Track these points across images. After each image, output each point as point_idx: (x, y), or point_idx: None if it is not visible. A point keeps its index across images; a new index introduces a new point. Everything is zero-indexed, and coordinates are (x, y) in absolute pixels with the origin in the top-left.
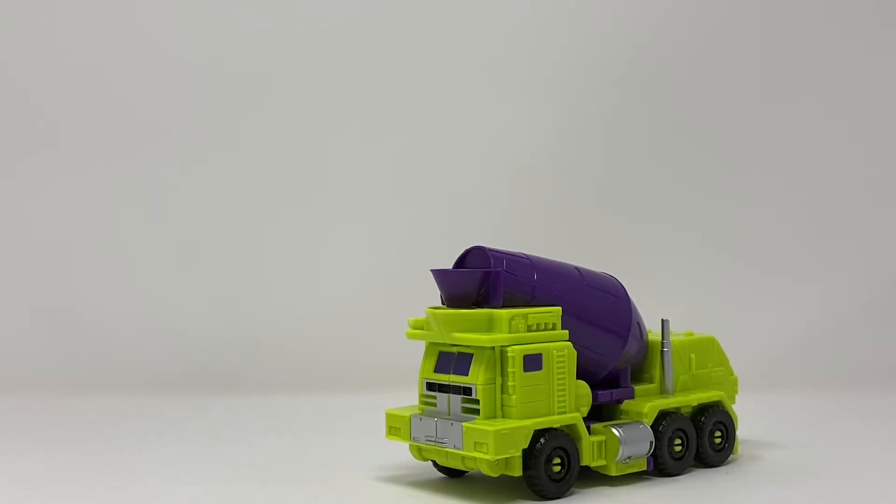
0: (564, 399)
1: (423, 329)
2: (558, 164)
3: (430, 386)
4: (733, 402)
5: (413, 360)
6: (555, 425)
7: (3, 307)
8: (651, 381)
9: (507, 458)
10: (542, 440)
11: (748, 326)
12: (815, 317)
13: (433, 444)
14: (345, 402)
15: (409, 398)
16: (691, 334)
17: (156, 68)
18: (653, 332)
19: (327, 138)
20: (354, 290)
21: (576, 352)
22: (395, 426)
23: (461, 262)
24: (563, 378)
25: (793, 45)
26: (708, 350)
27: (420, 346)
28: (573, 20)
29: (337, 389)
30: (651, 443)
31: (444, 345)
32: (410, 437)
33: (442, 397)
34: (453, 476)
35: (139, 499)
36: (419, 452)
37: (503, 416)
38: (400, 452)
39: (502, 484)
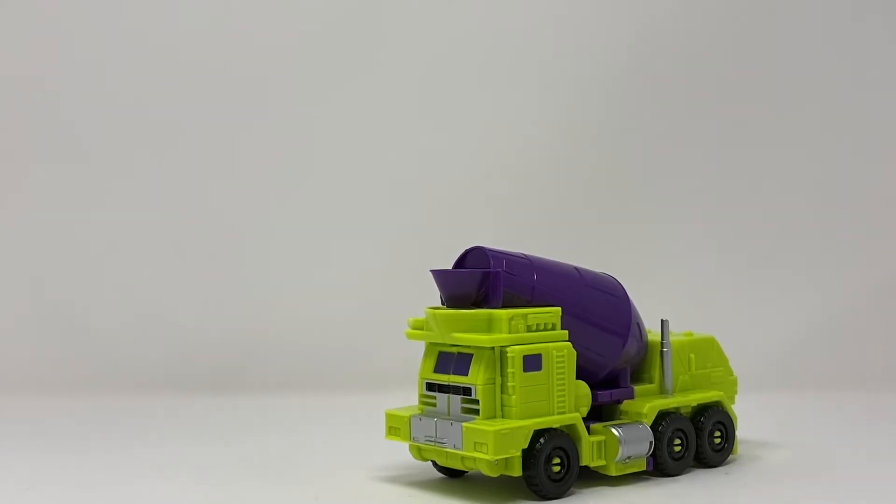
0: (564, 399)
1: (422, 329)
2: (558, 164)
3: (430, 386)
4: (733, 402)
5: (413, 360)
6: (554, 425)
7: (1, 307)
8: (651, 382)
9: (506, 459)
10: (541, 440)
11: (748, 326)
12: (815, 317)
13: (433, 444)
14: (345, 402)
15: (409, 398)
16: (691, 334)
17: (153, 68)
18: (652, 332)
19: (326, 139)
20: (354, 290)
21: (575, 352)
22: (395, 426)
23: (461, 263)
24: (563, 378)
25: (792, 43)
26: (707, 350)
27: (420, 346)
28: (569, 17)
29: (337, 389)
30: (650, 443)
31: (444, 345)
32: (410, 438)
33: (442, 397)
34: (453, 476)
35: (139, 499)
36: (419, 452)
37: (503, 417)
38: (400, 452)
39: (502, 484)
